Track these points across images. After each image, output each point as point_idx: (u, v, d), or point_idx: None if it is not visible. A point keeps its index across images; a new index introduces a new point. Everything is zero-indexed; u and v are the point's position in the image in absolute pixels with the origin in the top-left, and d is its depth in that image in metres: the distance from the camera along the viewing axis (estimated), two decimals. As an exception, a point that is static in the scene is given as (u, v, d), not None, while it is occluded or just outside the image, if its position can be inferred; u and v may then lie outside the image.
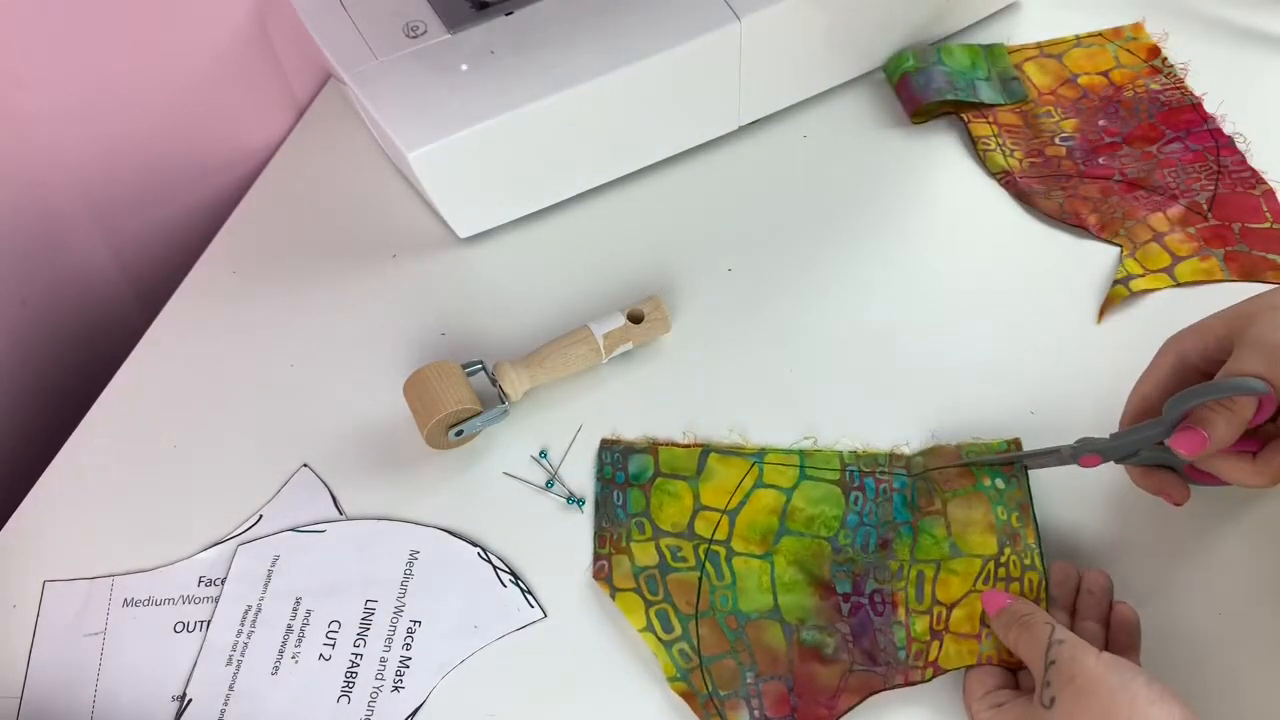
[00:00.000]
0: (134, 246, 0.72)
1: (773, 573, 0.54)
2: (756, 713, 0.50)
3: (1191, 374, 0.50)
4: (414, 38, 0.64)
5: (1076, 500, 0.55)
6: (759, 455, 0.57)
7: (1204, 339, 0.50)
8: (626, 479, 0.57)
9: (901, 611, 0.52)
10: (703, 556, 0.55)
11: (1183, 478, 0.51)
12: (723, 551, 0.55)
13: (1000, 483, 0.53)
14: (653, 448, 0.58)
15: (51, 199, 0.66)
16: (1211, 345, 0.50)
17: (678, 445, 0.58)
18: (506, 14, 0.65)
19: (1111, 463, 0.52)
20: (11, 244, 0.65)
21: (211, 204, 0.73)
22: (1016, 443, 0.56)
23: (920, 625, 0.51)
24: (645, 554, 0.55)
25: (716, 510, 0.56)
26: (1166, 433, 0.49)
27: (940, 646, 0.50)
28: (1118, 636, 0.49)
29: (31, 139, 0.63)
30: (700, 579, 0.54)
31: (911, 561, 0.53)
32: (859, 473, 0.56)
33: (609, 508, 0.57)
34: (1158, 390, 0.51)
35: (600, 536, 0.56)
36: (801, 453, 0.57)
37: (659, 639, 0.52)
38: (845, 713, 0.50)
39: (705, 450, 0.58)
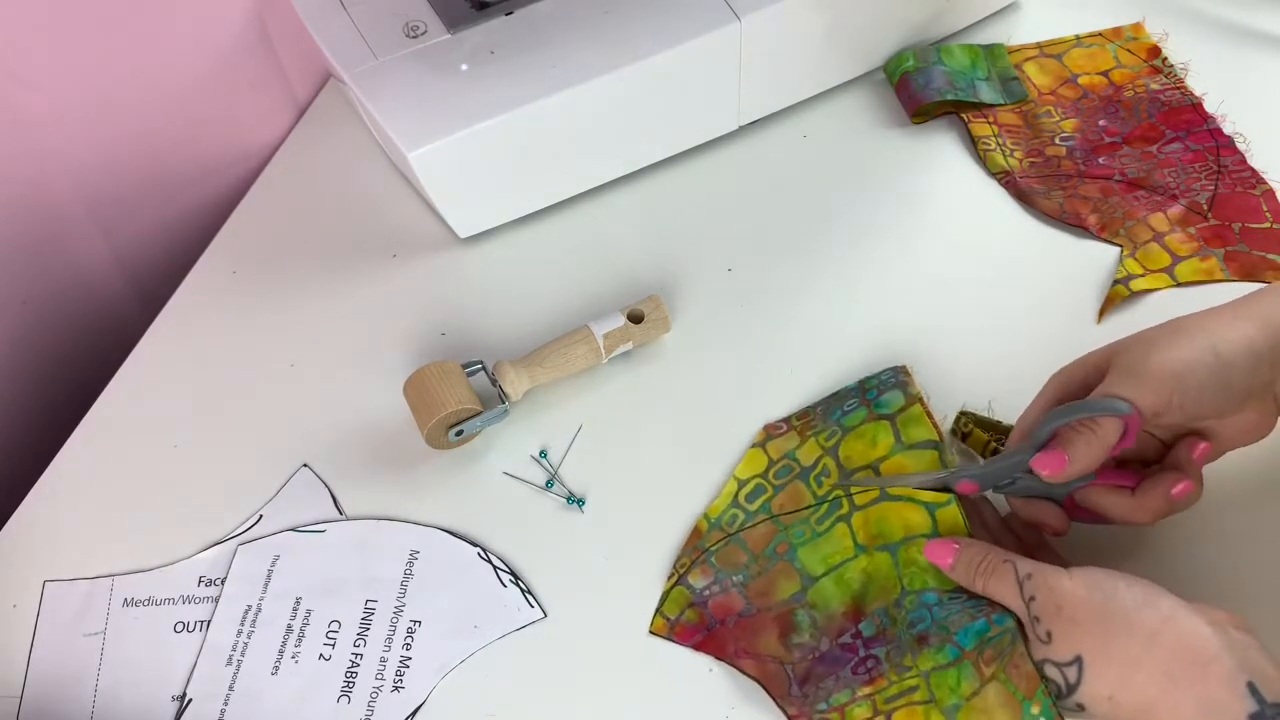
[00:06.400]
0: (134, 246, 0.72)
1: (844, 563, 0.52)
2: (707, 592, 0.53)
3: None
4: (414, 38, 0.64)
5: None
6: (935, 504, 0.51)
7: (1085, 369, 0.50)
8: (876, 398, 0.57)
9: (865, 690, 0.47)
10: (828, 496, 0.55)
11: (1064, 511, 0.51)
12: (844, 508, 0.54)
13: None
14: (915, 398, 0.56)
15: (51, 199, 0.66)
16: (1091, 375, 0.50)
17: (930, 419, 0.55)
18: (506, 14, 0.65)
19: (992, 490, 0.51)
20: (11, 244, 0.65)
21: (211, 204, 0.73)
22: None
23: (858, 713, 0.47)
24: (808, 453, 0.57)
25: (875, 487, 0.53)
26: (1034, 454, 0.48)
27: None
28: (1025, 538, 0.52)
29: (32, 139, 0.63)
30: (809, 507, 0.55)
31: (920, 675, 0.47)
32: None
33: (834, 406, 0.58)
34: (1039, 420, 0.50)
35: (804, 412, 0.59)
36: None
37: (733, 491, 0.56)
38: (736, 661, 0.51)
39: (939, 448, 0.54)
